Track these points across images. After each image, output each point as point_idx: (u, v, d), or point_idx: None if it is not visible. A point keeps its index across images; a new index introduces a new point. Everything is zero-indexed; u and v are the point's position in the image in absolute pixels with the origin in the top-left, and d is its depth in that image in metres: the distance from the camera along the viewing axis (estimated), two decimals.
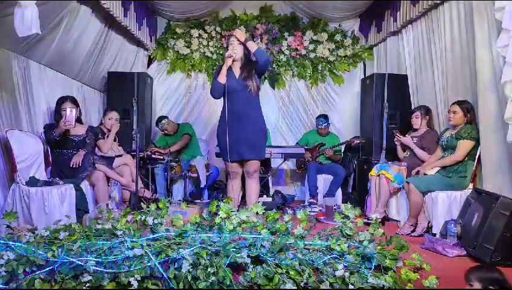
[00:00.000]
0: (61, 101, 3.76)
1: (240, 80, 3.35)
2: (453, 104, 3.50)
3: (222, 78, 3.32)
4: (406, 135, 4.02)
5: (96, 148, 4.12)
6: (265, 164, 4.96)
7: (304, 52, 5.62)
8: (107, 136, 4.25)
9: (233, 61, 3.37)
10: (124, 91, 4.74)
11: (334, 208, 4.03)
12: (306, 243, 2.41)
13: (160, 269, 2.18)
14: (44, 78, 3.98)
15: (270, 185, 5.31)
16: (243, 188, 3.65)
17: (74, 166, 3.61)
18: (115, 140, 4.35)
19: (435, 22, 3.96)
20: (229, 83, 3.33)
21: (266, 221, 2.62)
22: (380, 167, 3.89)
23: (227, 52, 3.37)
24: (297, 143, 5.37)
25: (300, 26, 5.65)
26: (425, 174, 3.52)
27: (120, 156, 4.24)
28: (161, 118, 5.14)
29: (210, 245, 2.30)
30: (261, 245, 2.30)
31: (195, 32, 5.55)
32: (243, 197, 3.82)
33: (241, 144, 3.31)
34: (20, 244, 2.21)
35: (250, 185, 3.43)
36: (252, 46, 3.34)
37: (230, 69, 3.39)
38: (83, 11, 3.92)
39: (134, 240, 2.28)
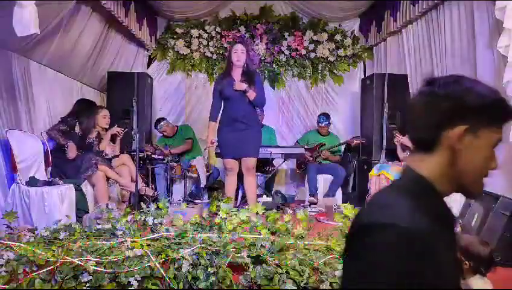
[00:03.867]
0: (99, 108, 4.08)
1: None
2: None
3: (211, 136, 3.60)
4: (406, 135, 4.02)
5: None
6: (268, 163, 4.96)
7: (304, 52, 5.61)
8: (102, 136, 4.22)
9: (235, 67, 3.46)
10: (124, 91, 4.72)
11: (334, 208, 4.03)
12: (306, 243, 2.41)
13: (160, 269, 2.18)
14: (44, 78, 3.97)
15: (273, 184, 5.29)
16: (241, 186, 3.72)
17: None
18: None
19: (435, 22, 3.95)
20: (229, 90, 3.43)
21: (266, 221, 2.62)
22: (380, 167, 3.89)
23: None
24: (297, 142, 5.36)
25: (300, 26, 5.63)
26: None
27: (116, 156, 4.21)
28: (159, 120, 5.11)
29: (210, 245, 2.30)
30: (261, 245, 2.30)
31: (195, 32, 5.54)
32: (244, 197, 3.84)
33: (239, 144, 3.47)
34: (20, 244, 2.21)
35: (248, 180, 3.60)
36: (250, 95, 3.48)
37: (230, 75, 3.51)
38: (83, 11, 3.91)
39: (134, 240, 2.28)
